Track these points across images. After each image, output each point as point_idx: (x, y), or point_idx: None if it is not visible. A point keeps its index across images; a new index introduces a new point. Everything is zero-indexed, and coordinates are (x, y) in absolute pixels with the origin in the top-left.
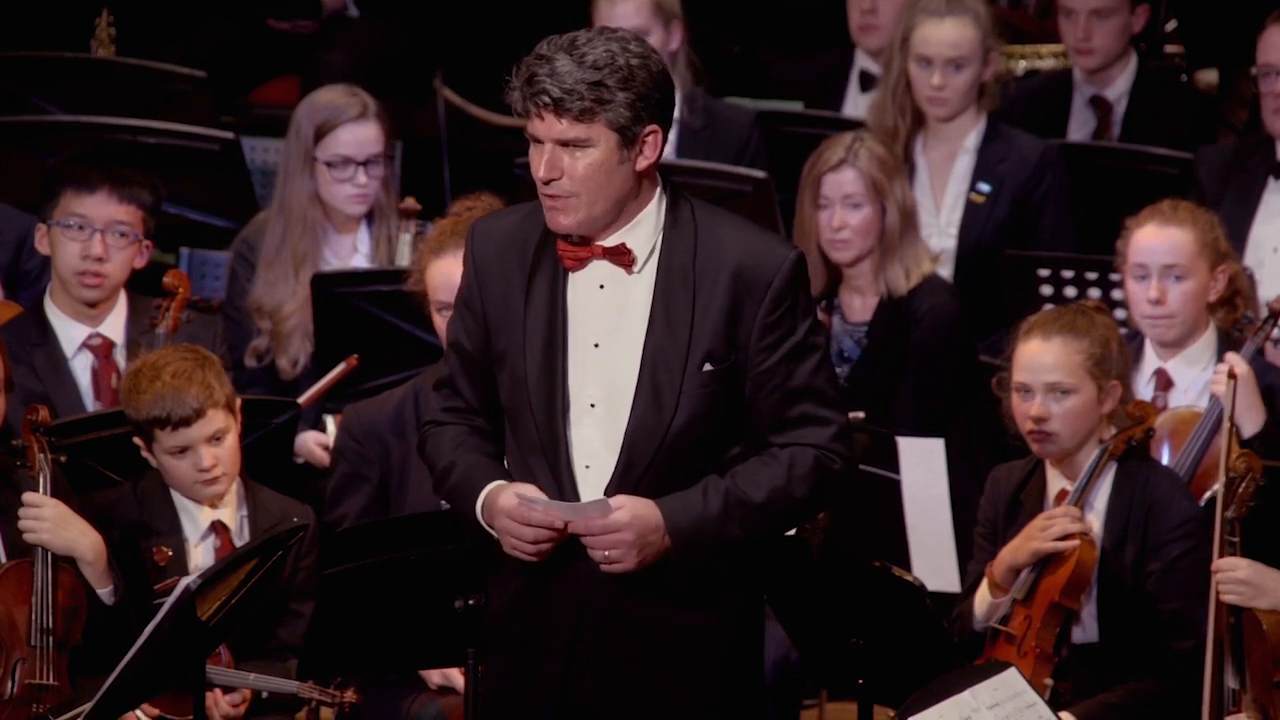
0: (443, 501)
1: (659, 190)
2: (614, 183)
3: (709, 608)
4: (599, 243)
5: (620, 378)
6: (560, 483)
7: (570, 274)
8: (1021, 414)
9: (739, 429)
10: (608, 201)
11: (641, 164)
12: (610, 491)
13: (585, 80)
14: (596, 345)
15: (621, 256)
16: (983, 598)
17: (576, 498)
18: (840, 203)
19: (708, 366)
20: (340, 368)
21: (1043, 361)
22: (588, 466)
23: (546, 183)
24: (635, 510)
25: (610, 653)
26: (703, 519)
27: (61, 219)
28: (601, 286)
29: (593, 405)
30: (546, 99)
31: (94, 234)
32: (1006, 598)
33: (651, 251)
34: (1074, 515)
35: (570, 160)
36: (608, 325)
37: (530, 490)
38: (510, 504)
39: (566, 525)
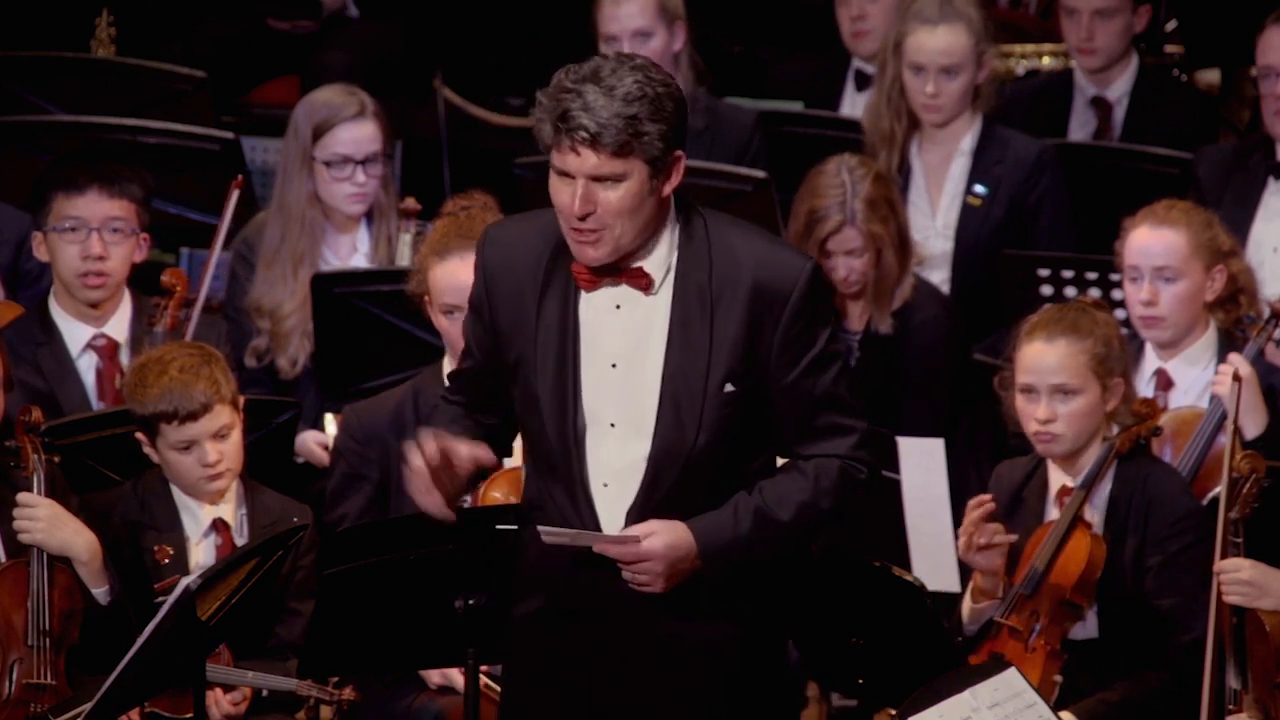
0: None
1: (672, 207)
2: (643, 212)
3: (733, 621)
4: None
5: (640, 398)
6: (575, 501)
7: (584, 292)
8: (1027, 415)
9: (760, 442)
10: (635, 230)
11: (667, 189)
12: (634, 511)
13: (621, 114)
14: (614, 365)
15: (639, 280)
16: (967, 605)
17: (593, 515)
18: (843, 255)
19: (729, 387)
20: (235, 195)
21: (1047, 363)
22: (605, 485)
23: (582, 218)
24: (667, 539)
25: (634, 666)
26: (733, 541)
27: (56, 224)
28: (618, 307)
29: (613, 425)
30: (584, 134)
31: (90, 233)
32: (989, 603)
33: (668, 271)
34: (978, 523)
35: (604, 193)
36: (626, 346)
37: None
38: (414, 461)
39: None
